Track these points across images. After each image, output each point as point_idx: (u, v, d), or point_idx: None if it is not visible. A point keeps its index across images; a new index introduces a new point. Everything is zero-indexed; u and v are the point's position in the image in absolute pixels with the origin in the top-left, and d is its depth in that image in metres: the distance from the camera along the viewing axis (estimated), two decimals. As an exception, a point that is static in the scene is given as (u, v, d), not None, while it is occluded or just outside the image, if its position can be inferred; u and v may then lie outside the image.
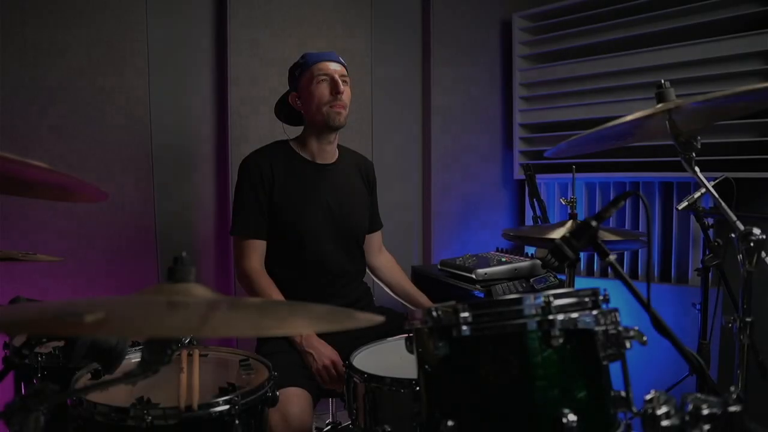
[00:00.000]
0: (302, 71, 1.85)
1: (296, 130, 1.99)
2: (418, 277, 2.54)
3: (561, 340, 0.88)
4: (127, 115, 2.27)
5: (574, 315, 0.90)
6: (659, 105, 1.16)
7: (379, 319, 0.78)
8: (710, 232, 1.84)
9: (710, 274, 2.04)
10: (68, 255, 2.00)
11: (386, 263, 2.14)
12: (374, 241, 2.11)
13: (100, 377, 1.29)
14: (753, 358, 1.41)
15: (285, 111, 1.97)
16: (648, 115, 1.14)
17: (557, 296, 0.91)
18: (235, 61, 2.42)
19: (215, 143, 2.48)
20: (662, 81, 1.18)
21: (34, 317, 0.61)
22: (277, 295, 1.76)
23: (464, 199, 3.03)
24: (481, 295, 2.12)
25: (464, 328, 0.90)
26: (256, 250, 1.82)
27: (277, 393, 1.28)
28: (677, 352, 0.95)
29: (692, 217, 2.50)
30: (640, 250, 2.61)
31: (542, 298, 0.90)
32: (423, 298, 2.07)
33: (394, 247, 2.24)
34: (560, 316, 0.89)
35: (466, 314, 0.90)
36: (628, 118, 1.14)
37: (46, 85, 2.11)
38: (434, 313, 0.94)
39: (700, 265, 2.15)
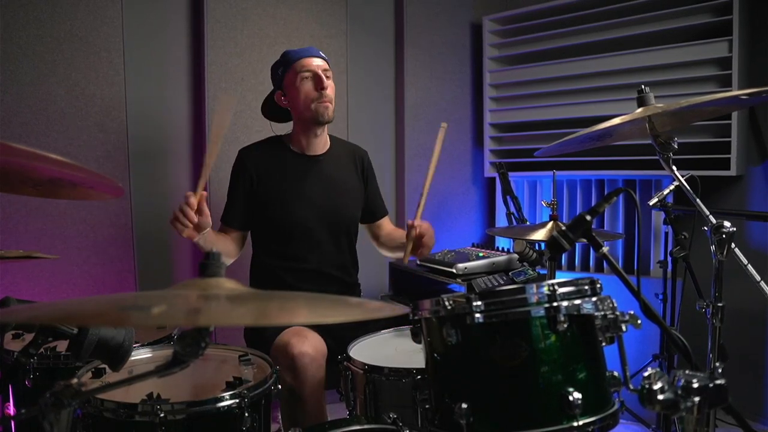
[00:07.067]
0: (285, 69, 1.86)
1: (285, 127, 2.01)
2: (396, 272, 2.61)
3: (565, 325, 0.95)
4: (102, 112, 2.22)
5: (577, 301, 0.97)
6: (640, 109, 1.26)
7: (404, 308, 0.84)
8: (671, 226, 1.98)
9: (669, 266, 2.19)
10: (44, 252, 1.95)
11: (386, 233, 2.11)
12: (384, 226, 2.12)
13: (102, 376, 1.29)
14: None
15: (272, 109, 1.99)
16: (631, 118, 1.23)
17: (560, 285, 0.98)
18: (213, 59, 2.41)
19: (192, 141, 2.46)
20: (642, 86, 1.27)
21: (99, 311, 0.63)
22: (221, 245, 1.80)
23: (436, 197, 3.10)
24: (461, 289, 2.20)
25: (477, 315, 0.96)
26: (228, 236, 1.91)
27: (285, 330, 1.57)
28: (665, 335, 1.03)
29: (653, 213, 2.67)
30: (606, 244, 2.75)
31: (546, 287, 0.98)
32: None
33: (369, 244, 2.27)
34: (564, 303, 0.97)
35: (478, 303, 0.96)
36: (617, 120, 1.23)
37: (17, 81, 2.05)
38: (447, 303, 0.99)
39: (662, 258, 2.31)
